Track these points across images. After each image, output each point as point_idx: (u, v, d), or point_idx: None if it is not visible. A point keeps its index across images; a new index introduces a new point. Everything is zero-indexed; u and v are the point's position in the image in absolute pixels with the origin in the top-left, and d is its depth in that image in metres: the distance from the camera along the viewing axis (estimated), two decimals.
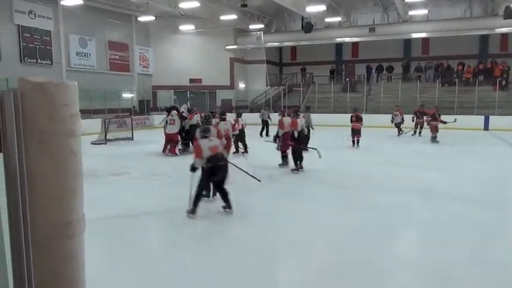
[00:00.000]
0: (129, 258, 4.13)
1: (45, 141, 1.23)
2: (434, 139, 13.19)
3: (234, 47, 24.51)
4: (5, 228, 1.25)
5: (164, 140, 11.16)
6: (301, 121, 8.86)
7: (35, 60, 16.98)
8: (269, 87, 25.00)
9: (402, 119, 15.57)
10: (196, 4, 18.18)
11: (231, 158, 7.98)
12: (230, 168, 7.73)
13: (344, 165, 9.66)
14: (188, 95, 23.00)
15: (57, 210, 1.29)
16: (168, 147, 10.98)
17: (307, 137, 11.23)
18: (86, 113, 16.42)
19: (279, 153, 9.08)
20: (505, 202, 6.27)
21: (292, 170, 8.60)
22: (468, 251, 4.30)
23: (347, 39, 23.26)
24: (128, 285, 3.60)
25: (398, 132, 15.53)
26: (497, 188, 7.11)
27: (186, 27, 22.99)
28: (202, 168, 5.40)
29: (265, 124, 15.90)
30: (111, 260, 4.12)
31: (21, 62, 16.44)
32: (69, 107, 1.27)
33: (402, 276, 3.89)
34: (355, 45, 25.69)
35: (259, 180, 7.05)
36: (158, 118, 16.79)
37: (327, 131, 15.63)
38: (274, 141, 9.11)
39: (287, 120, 8.92)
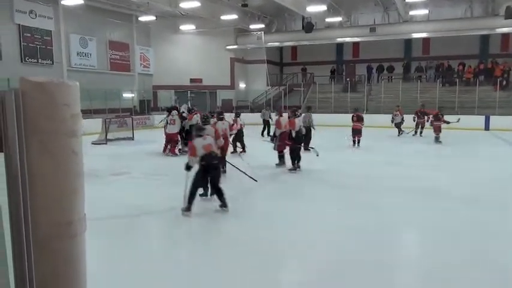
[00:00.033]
0: (129, 258, 4.13)
1: (46, 141, 1.23)
2: (437, 139, 13.18)
3: (235, 47, 24.51)
4: (6, 228, 1.25)
5: (164, 140, 11.17)
6: (299, 121, 8.88)
7: (35, 60, 16.99)
8: (270, 87, 24.99)
9: (402, 119, 15.56)
10: (197, 4, 18.18)
11: (229, 158, 8.03)
12: (228, 167, 7.82)
13: (344, 165, 9.66)
14: (189, 95, 23.01)
15: (58, 210, 1.29)
16: (169, 147, 11.00)
17: (309, 137, 11.25)
18: (87, 112, 16.43)
19: (277, 153, 9.08)
20: (505, 202, 6.26)
21: (290, 169, 8.62)
22: (468, 251, 4.30)
23: (348, 39, 23.25)
24: (128, 285, 3.60)
25: (399, 133, 15.52)
26: (498, 188, 7.11)
27: (187, 27, 22.99)
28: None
29: (266, 124, 15.92)
30: (111, 260, 4.13)
31: (21, 61, 16.45)
32: (70, 107, 1.27)
33: (402, 276, 3.89)
34: (355, 45, 25.67)
35: (256, 180, 7.08)
36: (159, 118, 16.78)
37: (328, 131, 15.63)
38: (272, 140, 9.12)
39: (284, 119, 8.94)
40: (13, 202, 1.21)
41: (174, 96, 22.97)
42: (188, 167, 5.48)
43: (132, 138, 14.63)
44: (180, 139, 11.26)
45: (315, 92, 23.32)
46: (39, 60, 17.16)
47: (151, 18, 21.10)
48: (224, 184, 7.00)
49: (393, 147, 12.82)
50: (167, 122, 10.99)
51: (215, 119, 9.11)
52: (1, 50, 15.66)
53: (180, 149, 11.14)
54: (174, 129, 10.88)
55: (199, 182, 5.54)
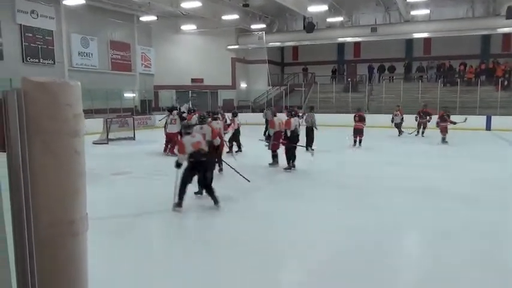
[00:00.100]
0: (130, 258, 4.15)
1: (48, 141, 1.24)
2: (444, 140, 13.17)
3: (236, 46, 24.51)
4: (8, 227, 1.26)
5: (165, 139, 11.20)
6: (294, 120, 8.92)
7: (37, 60, 17.03)
8: (271, 87, 24.99)
9: (402, 119, 15.55)
10: (198, 4, 18.19)
11: (225, 158, 8.08)
12: (225, 167, 7.86)
13: (345, 165, 9.67)
14: (190, 95, 23.02)
15: (60, 209, 1.30)
16: (169, 146, 11.02)
17: (312, 137, 11.29)
18: (88, 112, 16.46)
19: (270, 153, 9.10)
20: (505, 202, 6.27)
21: (285, 168, 8.67)
22: (468, 251, 4.30)
23: (349, 39, 23.23)
24: (129, 284, 3.61)
25: (399, 133, 15.51)
26: (498, 188, 7.10)
27: (188, 27, 23.00)
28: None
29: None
30: (112, 259, 4.13)
31: (23, 61, 16.49)
32: (72, 107, 1.28)
33: (402, 276, 3.89)
34: (357, 45, 25.65)
35: (249, 181, 7.11)
36: (160, 118, 16.82)
37: (329, 131, 15.62)
38: (267, 140, 9.15)
39: (279, 119, 9.00)
40: (15, 201, 1.22)
41: (174, 96, 22.99)
42: (178, 165, 5.61)
43: (133, 138, 14.65)
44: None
45: (316, 92, 23.32)
46: (41, 60, 17.19)
47: (153, 18, 21.11)
48: (223, 184, 7.09)
49: (394, 147, 12.82)
50: (167, 122, 11.02)
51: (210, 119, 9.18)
52: (3, 50, 15.70)
53: None
54: (174, 129, 10.90)
55: (187, 178, 5.67)
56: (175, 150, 10.94)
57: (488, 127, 17.83)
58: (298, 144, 9.09)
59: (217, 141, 6.79)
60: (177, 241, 4.87)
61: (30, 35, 16.71)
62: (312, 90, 24.21)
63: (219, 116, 11.22)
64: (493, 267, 3.89)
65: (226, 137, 9.92)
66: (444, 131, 13.25)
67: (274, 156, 9.05)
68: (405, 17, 21.25)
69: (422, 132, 15.34)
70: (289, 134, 8.65)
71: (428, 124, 15.04)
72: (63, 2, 17.43)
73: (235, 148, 10.83)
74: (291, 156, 8.67)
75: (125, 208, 5.94)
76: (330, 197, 6.72)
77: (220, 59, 24.02)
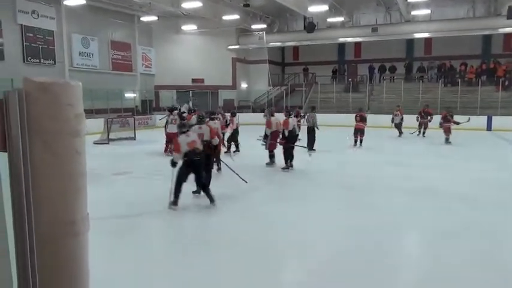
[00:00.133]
0: (130, 258, 4.16)
1: (50, 141, 1.24)
2: (447, 140, 13.16)
3: (237, 47, 24.52)
4: (9, 228, 1.27)
5: (165, 139, 11.21)
6: (292, 120, 8.95)
7: (38, 60, 17.04)
8: (271, 87, 24.99)
9: (401, 119, 15.55)
10: (199, 4, 18.20)
11: (223, 157, 8.12)
12: (224, 167, 7.89)
13: (345, 165, 9.67)
14: (190, 95, 23.03)
15: (61, 209, 1.30)
16: (170, 146, 11.03)
17: (313, 137, 11.31)
18: (89, 112, 16.48)
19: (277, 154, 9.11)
20: (505, 202, 6.26)
21: (283, 168, 8.70)
22: (468, 251, 4.31)
23: (349, 39, 23.22)
24: (129, 284, 3.62)
25: (399, 133, 15.50)
26: (498, 188, 7.10)
27: (189, 27, 23.01)
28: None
29: None
30: (112, 259, 4.14)
31: (24, 61, 16.51)
32: (74, 107, 1.28)
33: (402, 276, 3.90)
34: (357, 45, 25.65)
35: (246, 182, 7.13)
36: (160, 117, 16.82)
37: (330, 131, 15.62)
38: (264, 139, 9.18)
39: (275, 119, 9.05)
40: (16, 201, 1.23)
41: (174, 96, 23.00)
42: (173, 163, 5.71)
43: (134, 138, 14.66)
44: None
45: (316, 92, 23.32)
46: (42, 60, 17.21)
47: (153, 18, 21.13)
48: (222, 184, 7.11)
49: (394, 148, 12.82)
50: (167, 122, 11.04)
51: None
52: (4, 50, 15.72)
53: None
54: (175, 129, 10.89)
55: (182, 176, 5.76)
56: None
57: (489, 127, 17.81)
58: (296, 144, 9.12)
59: (215, 140, 6.85)
60: (177, 241, 4.88)
61: (31, 35, 16.73)
62: (313, 90, 24.20)
63: (220, 116, 11.25)
64: (493, 267, 3.89)
65: (225, 137, 9.98)
66: (448, 131, 13.24)
67: (271, 156, 9.09)
68: (406, 17, 21.24)
69: (424, 133, 15.32)
70: (287, 133, 8.69)
71: (429, 124, 15.04)
72: (64, 2, 17.44)
73: (233, 148, 10.88)
74: (288, 156, 8.72)
75: (125, 208, 5.95)
76: (330, 197, 6.72)
77: (220, 59, 24.03)
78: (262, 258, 4.09)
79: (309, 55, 26.53)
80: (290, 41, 24.56)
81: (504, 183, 7.56)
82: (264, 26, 23.28)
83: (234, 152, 10.67)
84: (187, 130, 5.93)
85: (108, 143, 13.55)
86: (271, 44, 24.03)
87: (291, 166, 8.71)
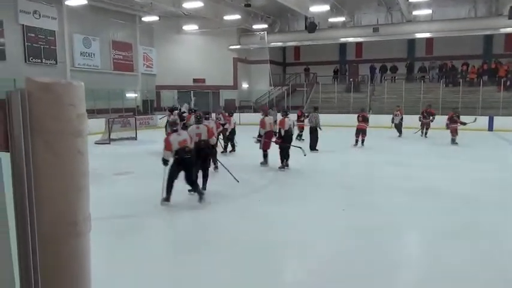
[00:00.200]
0: (131, 258, 4.17)
1: (52, 141, 1.25)
2: (453, 141, 13.14)
3: (238, 47, 24.52)
4: (11, 228, 1.28)
5: None
6: (289, 120, 8.99)
7: (39, 60, 17.08)
8: (272, 87, 24.98)
9: (401, 119, 15.53)
10: (200, 4, 18.21)
11: (219, 156, 8.17)
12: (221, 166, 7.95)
13: (346, 165, 9.68)
14: (192, 95, 23.05)
15: (63, 209, 1.31)
16: None
17: (316, 137, 11.35)
18: (90, 112, 16.47)
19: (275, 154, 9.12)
20: (505, 202, 6.26)
21: (279, 167, 8.76)
22: (468, 251, 4.31)
23: (351, 39, 23.20)
24: (130, 284, 3.64)
25: (400, 133, 15.47)
26: (499, 188, 7.10)
27: (190, 27, 23.03)
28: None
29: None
30: (113, 259, 4.16)
31: (25, 61, 16.54)
32: (76, 107, 1.29)
33: (402, 276, 3.90)
34: (358, 45, 25.62)
35: (238, 181, 7.19)
36: (160, 117, 16.87)
37: (331, 131, 15.61)
38: (258, 139, 9.22)
39: (269, 119, 9.12)
40: (18, 202, 1.24)
41: (175, 96, 23.03)
42: (165, 161, 5.81)
43: (135, 138, 14.68)
44: None
45: (318, 92, 23.31)
46: (43, 60, 17.25)
47: (155, 18, 21.16)
48: (222, 184, 7.13)
49: (395, 148, 12.81)
50: (167, 122, 11.07)
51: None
52: (5, 50, 15.75)
53: None
54: None
55: (173, 173, 5.87)
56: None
57: (490, 127, 17.76)
58: (292, 144, 9.15)
59: (213, 140, 6.93)
60: (177, 241, 4.90)
61: (33, 35, 16.76)
62: (314, 90, 24.19)
63: (221, 116, 11.28)
64: (493, 267, 3.90)
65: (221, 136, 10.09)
66: (454, 132, 13.21)
67: (265, 156, 9.14)
68: (407, 17, 21.21)
69: (425, 133, 15.29)
70: (283, 133, 8.73)
71: (431, 124, 15.01)
72: (66, 3, 17.46)
73: (229, 148, 10.96)
74: (284, 156, 8.75)
75: (126, 208, 5.96)
76: (330, 196, 6.73)
77: (222, 59, 24.04)
78: (262, 258, 4.10)
79: (310, 55, 26.51)
80: (291, 41, 24.55)
81: (505, 183, 7.55)
82: (265, 26, 23.28)
83: (229, 152, 10.79)
84: (177, 129, 6.05)
85: (109, 143, 13.58)
86: (273, 44, 24.03)
87: (287, 166, 8.76)
